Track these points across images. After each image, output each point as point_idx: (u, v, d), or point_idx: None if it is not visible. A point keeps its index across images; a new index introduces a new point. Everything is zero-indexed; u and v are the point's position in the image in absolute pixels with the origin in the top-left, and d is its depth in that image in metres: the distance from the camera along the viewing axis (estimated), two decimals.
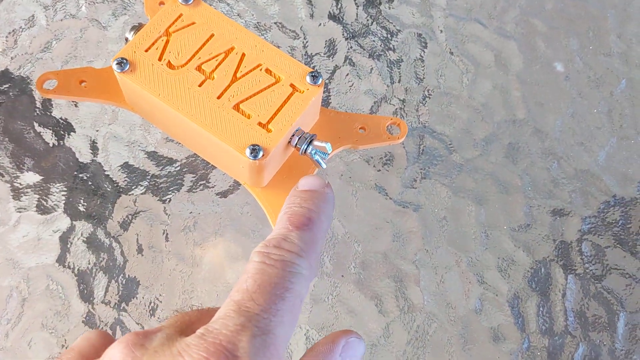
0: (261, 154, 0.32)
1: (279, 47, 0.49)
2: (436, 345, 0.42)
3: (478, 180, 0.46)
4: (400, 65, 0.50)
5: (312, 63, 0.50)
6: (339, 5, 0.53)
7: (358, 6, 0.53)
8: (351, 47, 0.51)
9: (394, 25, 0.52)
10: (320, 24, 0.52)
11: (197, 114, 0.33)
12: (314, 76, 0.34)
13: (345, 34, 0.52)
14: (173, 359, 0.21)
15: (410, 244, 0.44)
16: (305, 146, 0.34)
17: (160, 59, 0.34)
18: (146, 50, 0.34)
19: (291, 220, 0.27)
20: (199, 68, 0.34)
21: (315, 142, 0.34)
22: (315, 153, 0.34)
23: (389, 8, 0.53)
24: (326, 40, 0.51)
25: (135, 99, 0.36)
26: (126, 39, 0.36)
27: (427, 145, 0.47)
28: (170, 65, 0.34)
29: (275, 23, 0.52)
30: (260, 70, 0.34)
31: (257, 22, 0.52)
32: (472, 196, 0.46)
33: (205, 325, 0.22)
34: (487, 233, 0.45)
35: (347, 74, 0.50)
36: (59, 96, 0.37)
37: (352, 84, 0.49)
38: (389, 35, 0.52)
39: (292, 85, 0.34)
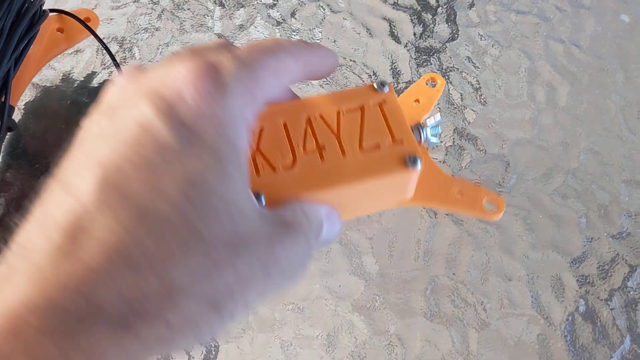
0: (418, 159, 0.33)
1: None
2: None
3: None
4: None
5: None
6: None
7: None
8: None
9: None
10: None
11: (344, 177, 0.34)
12: (381, 84, 0.36)
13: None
14: (167, 67, 0.23)
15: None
16: (425, 135, 0.37)
17: (275, 170, 0.34)
18: (259, 175, 0.34)
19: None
20: (307, 151, 0.35)
21: (428, 122, 0.37)
22: (432, 135, 0.37)
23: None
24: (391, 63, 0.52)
25: None
26: None
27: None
28: (286, 167, 0.34)
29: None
30: (344, 114, 0.36)
31: None
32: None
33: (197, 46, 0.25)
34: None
35: None
36: None
37: None
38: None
39: (375, 104, 0.36)
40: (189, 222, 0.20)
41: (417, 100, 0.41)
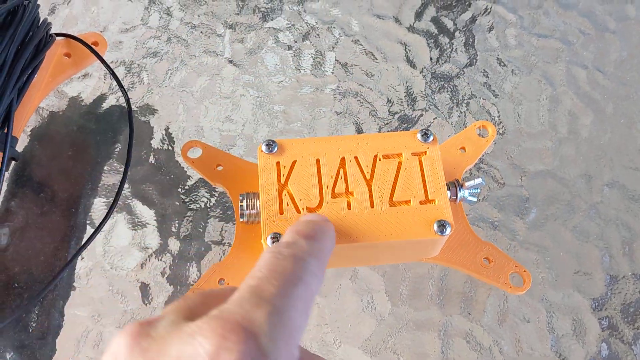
0: (448, 225, 0.32)
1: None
2: None
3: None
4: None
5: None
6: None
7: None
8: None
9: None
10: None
11: (368, 234, 0.32)
12: (425, 134, 0.35)
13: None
14: (184, 343, 0.19)
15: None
16: (462, 194, 0.35)
17: (299, 212, 0.33)
18: (281, 213, 0.33)
19: (298, 232, 0.28)
20: (334, 195, 0.33)
21: (467, 184, 0.35)
22: (470, 196, 0.35)
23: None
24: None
25: None
26: (242, 214, 0.35)
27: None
28: (310, 210, 0.33)
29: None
30: (380, 160, 0.34)
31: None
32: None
33: (218, 307, 0.21)
34: None
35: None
36: (195, 167, 0.39)
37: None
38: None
39: (414, 154, 0.34)
40: None
41: (462, 148, 0.39)
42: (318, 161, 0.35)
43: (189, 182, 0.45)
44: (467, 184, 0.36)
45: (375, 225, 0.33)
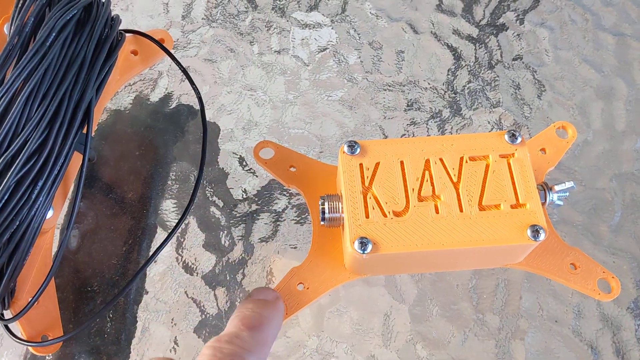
0: (542, 230, 0.31)
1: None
2: None
3: None
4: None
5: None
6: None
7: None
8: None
9: None
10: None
11: (458, 238, 0.31)
12: (512, 135, 0.33)
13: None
14: None
15: None
16: (550, 198, 0.34)
17: (385, 215, 0.32)
18: (367, 217, 0.32)
19: (243, 322, 0.29)
20: (421, 199, 0.32)
21: (557, 188, 0.34)
22: (558, 199, 0.34)
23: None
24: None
25: (377, 267, 0.34)
26: (324, 217, 0.34)
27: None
28: (397, 214, 0.32)
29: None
30: (467, 162, 0.33)
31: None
32: None
33: None
34: None
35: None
36: (268, 168, 0.38)
37: None
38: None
39: (502, 156, 0.33)
40: None
41: (543, 150, 0.38)
42: (402, 163, 0.33)
43: (262, 183, 0.44)
44: (556, 187, 0.34)
45: (465, 230, 0.31)
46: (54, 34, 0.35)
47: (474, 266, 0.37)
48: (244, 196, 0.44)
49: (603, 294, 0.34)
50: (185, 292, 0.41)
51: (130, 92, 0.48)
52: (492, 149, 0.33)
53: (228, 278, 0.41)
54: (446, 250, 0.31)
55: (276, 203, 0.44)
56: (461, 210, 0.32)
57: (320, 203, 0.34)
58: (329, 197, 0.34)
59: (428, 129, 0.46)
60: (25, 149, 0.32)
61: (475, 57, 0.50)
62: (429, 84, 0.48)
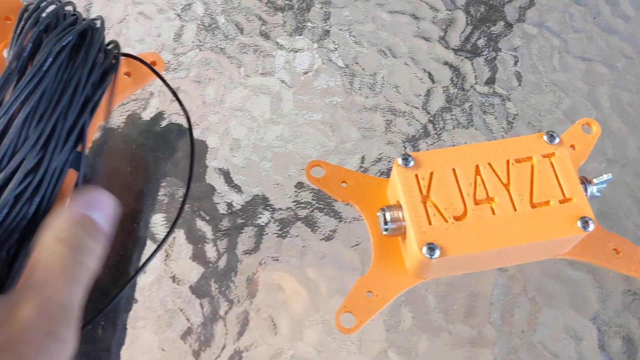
0: (591, 221, 0.34)
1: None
2: None
3: None
4: None
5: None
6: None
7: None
8: None
9: None
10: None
11: (517, 236, 0.34)
12: (551, 135, 0.36)
13: None
14: None
15: None
16: (590, 190, 0.37)
17: (446, 221, 0.34)
18: (430, 224, 0.34)
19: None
20: (477, 202, 0.35)
21: (596, 180, 0.37)
22: (597, 191, 0.37)
23: None
24: None
25: (441, 269, 0.36)
26: (387, 227, 0.36)
27: None
28: (457, 218, 0.34)
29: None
30: (513, 164, 0.36)
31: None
32: None
33: None
34: None
35: None
36: (320, 186, 0.40)
37: None
38: None
39: (544, 156, 0.36)
40: None
41: (572, 146, 0.40)
42: (454, 170, 0.36)
43: (246, 199, 0.47)
44: (595, 180, 0.37)
45: (522, 227, 0.34)
46: (50, 59, 0.38)
47: (528, 259, 0.39)
48: (229, 211, 0.46)
49: None
50: (173, 301, 0.43)
51: (122, 111, 0.51)
52: (534, 150, 0.36)
53: (213, 288, 0.44)
54: (507, 248, 0.34)
55: (259, 217, 0.46)
56: (515, 210, 0.34)
57: (380, 214, 0.36)
58: (388, 208, 0.36)
59: (405, 147, 0.49)
60: (22, 166, 0.35)
61: (451, 80, 0.53)
62: (405, 105, 0.51)
